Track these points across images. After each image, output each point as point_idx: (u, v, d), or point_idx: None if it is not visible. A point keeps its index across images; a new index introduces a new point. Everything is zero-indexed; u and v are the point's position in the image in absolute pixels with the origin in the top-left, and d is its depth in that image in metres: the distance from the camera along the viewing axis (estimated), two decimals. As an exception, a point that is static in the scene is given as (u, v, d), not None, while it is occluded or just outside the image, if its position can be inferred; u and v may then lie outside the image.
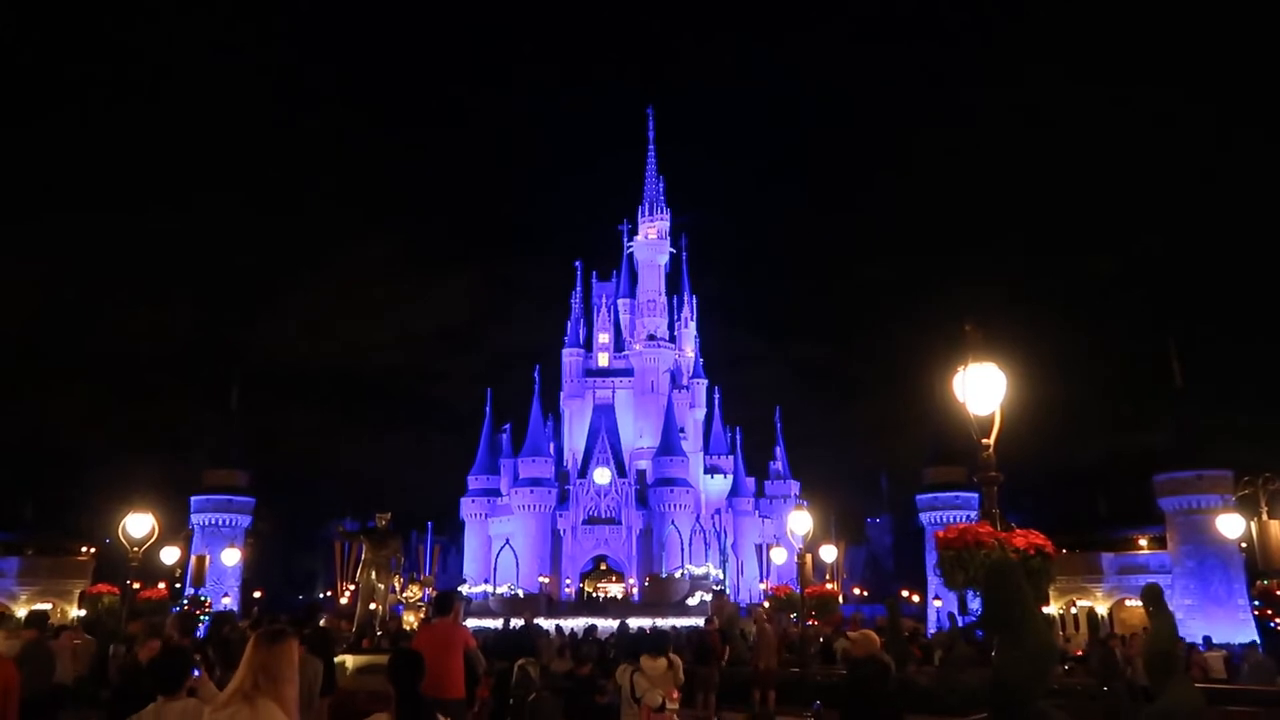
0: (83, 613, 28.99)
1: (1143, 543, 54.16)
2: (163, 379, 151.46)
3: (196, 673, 5.03)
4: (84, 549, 52.28)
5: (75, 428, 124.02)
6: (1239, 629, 41.23)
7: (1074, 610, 52.64)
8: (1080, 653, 25.03)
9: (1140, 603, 10.53)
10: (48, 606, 45.17)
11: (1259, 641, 34.12)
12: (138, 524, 18.71)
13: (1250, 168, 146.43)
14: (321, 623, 12.51)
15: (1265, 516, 16.01)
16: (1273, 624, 19.45)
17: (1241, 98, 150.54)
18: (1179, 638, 10.80)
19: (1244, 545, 39.73)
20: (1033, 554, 7.31)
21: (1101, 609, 51.47)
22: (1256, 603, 44.48)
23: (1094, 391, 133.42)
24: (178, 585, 42.62)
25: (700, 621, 25.38)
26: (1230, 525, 20.35)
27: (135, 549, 18.60)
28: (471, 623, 25.13)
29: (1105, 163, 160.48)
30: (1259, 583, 19.72)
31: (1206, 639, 27.52)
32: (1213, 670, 20.93)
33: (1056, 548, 7.72)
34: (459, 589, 53.22)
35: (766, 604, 21.63)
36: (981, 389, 7.74)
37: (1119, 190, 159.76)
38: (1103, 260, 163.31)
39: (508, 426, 73.04)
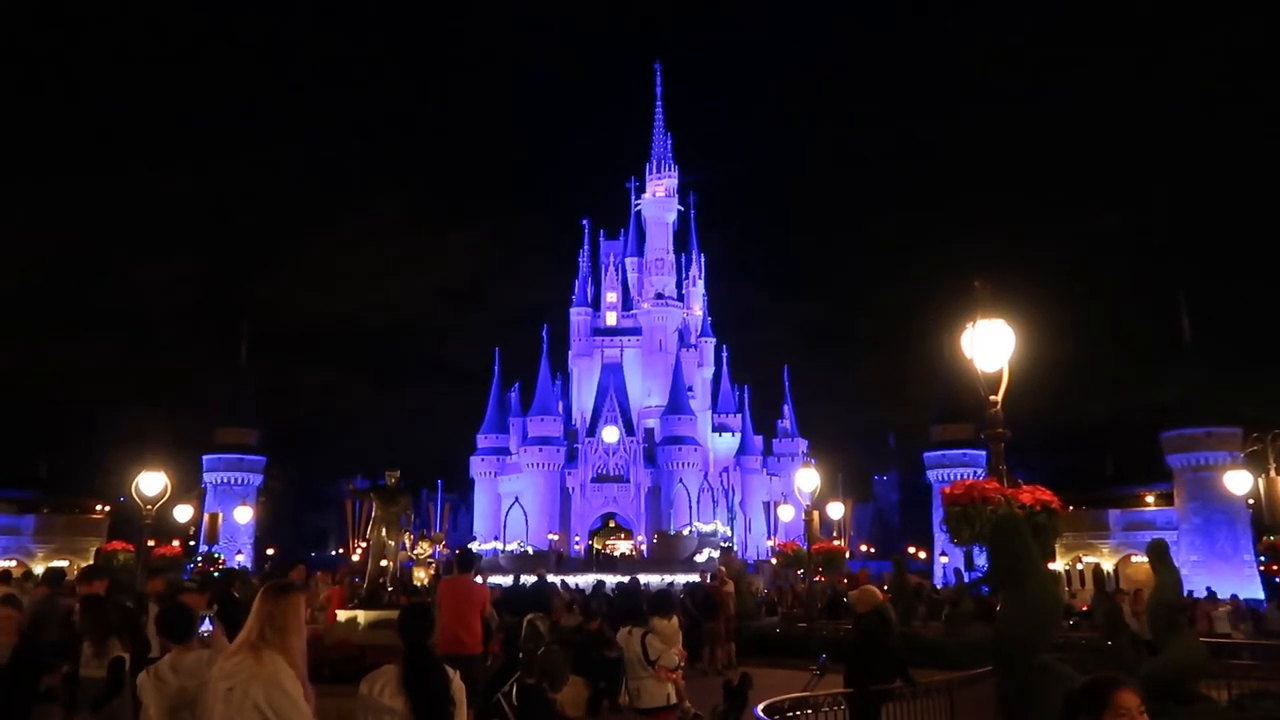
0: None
1: (1149, 499, 54.33)
2: (172, 337, 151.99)
3: (209, 627, 5.12)
4: (98, 507, 52.93)
5: (87, 386, 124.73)
6: (1244, 585, 41.46)
7: (1080, 566, 52.99)
8: (1085, 608, 25.25)
9: (1145, 558, 10.59)
10: (64, 564, 45.83)
11: (1263, 596, 34.34)
12: (150, 482, 18.89)
13: (1261, 120, 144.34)
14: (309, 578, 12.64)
15: (1273, 473, 16.02)
16: (1278, 579, 19.58)
17: (1252, 47, 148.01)
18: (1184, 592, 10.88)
19: (1251, 502, 39.90)
20: (1039, 510, 7.32)
21: (1107, 565, 51.79)
22: (1262, 558, 44.80)
23: (1103, 348, 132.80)
24: (192, 543, 43.14)
25: (703, 577, 25.68)
26: (1238, 482, 20.41)
27: (148, 507, 18.80)
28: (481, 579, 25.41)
29: (1113, 115, 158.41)
30: (1265, 539, 19.82)
31: (1211, 591, 27.70)
32: (1217, 624, 21.09)
33: (1063, 504, 7.73)
34: (469, 546, 53.73)
35: (723, 568, 22.01)
36: (990, 345, 7.71)
37: (1126, 144, 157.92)
38: (1111, 214, 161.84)
39: (516, 385, 73.36)
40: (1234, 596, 25.02)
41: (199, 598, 6.01)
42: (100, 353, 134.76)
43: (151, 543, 22.49)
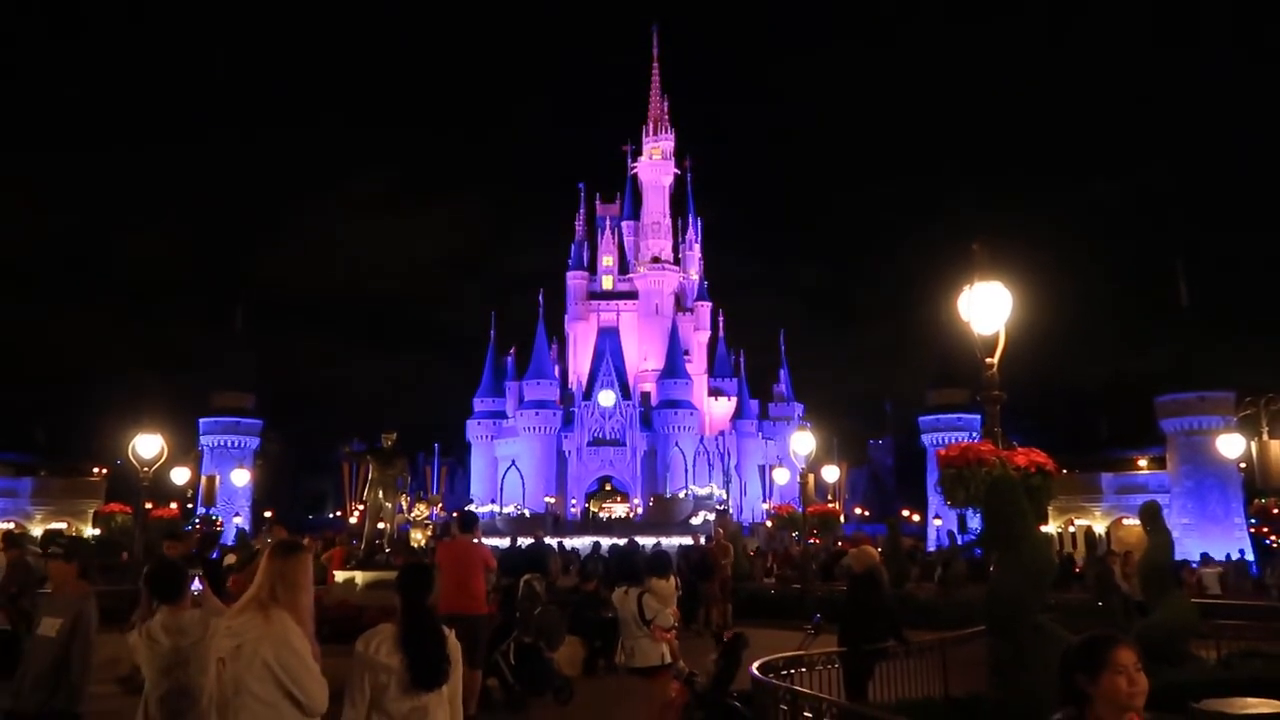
0: (97, 531, 29.54)
1: (1142, 463, 54.62)
2: (171, 302, 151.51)
3: (199, 587, 5.08)
4: (96, 469, 53.01)
5: (84, 350, 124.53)
6: (1234, 547, 41.87)
7: (1072, 529, 53.40)
8: (1077, 569, 25.52)
9: (1137, 521, 10.65)
10: (62, 526, 46.03)
11: (1252, 558, 34.67)
12: (147, 445, 18.91)
13: (1257, 87, 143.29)
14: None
15: (1266, 436, 16.08)
16: (1268, 541, 19.76)
17: (1249, 13, 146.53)
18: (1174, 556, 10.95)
19: (1243, 465, 40.18)
20: (1033, 472, 7.34)
21: (1099, 528, 52.16)
22: (1253, 520, 45.13)
23: (1099, 313, 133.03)
24: (189, 505, 43.29)
25: (695, 539, 25.86)
26: (1230, 445, 20.48)
27: (145, 469, 18.84)
28: (479, 541, 25.52)
29: (1111, 81, 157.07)
30: (1257, 501, 19.97)
31: (1205, 555, 28.02)
32: (1208, 586, 21.33)
33: (1057, 467, 7.75)
34: (469, 507, 53.89)
35: (719, 530, 22.15)
36: (987, 308, 7.68)
37: (1125, 109, 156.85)
38: (1109, 180, 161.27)
39: (513, 349, 73.25)
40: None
41: (66, 567, 5.27)
42: (98, 317, 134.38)
43: (149, 505, 22.56)
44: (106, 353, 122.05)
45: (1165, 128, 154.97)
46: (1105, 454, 56.80)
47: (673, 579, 10.00)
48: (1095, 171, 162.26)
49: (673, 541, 36.18)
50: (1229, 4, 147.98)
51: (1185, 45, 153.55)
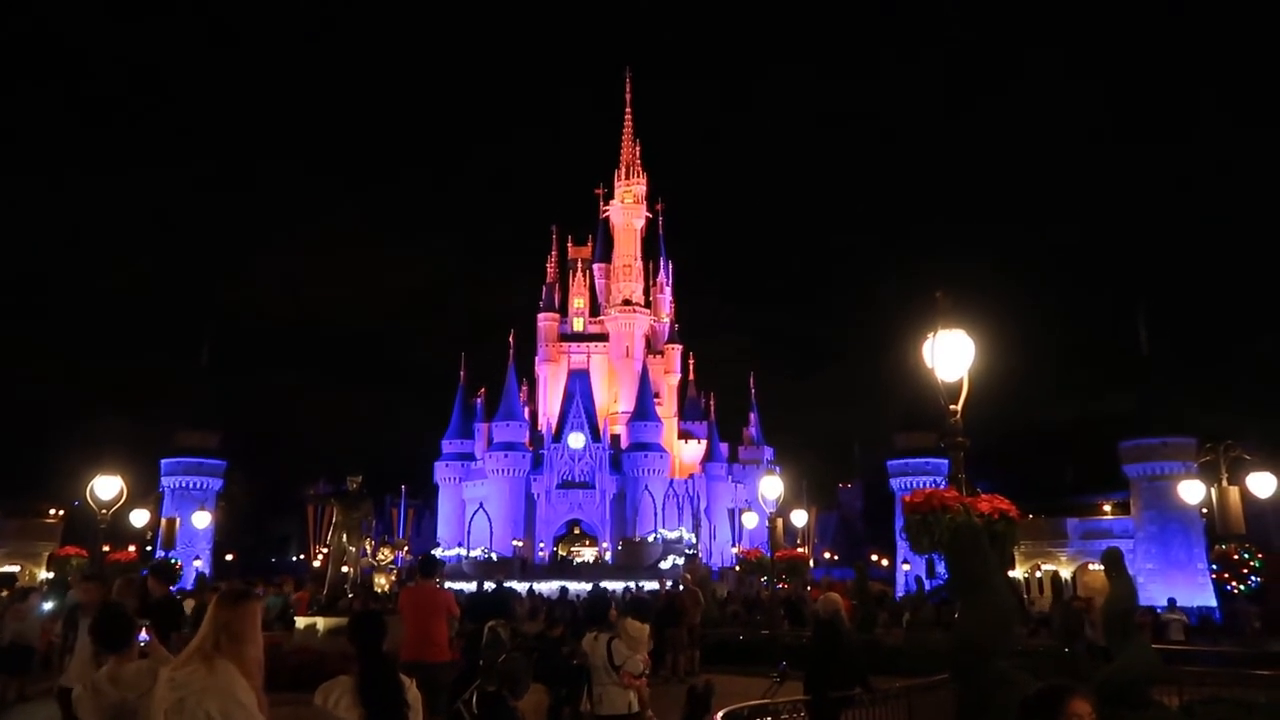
0: (51, 575, 28.82)
1: (1107, 508, 55.11)
2: (133, 339, 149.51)
3: (145, 638, 4.92)
4: (52, 511, 51.77)
5: (43, 388, 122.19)
6: (1198, 593, 42.21)
7: (1039, 574, 53.64)
8: (1037, 610, 25.63)
9: (1101, 566, 10.73)
10: (15, 569, 44.85)
11: (1216, 604, 35.00)
12: (106, 486, 18.55)
13: (1217, 133, 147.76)
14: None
15: (1225, 483, 16.33)
16: (1229, 587, 19.95)
17: (1202, 60, 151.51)
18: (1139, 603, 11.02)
19: (1204, 511, 40.68)
20: (996, 518, 7.40)
21: (1065, 573, 52.47)
22: (1214, 566, 45.56)
23: (1063, 359, 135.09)
24: (149, 548, 42.37)
25: (665, 585, 25.66)
26: (1191, 491, 20.74)
27: (104, 511, 18.46)
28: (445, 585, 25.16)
29: (1069, 128, 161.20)
30: (1217, 547, 20.20)
31: (1171, 600, 28.19)
32: (1171, 633, 21.42)
33: (1023, 513, 7.85)
34: (432, 552, 53.21)
35: (688, 574, 22.10)
36: (950, 355, 7.79)
37: (1083, 156, 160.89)
38: (1070, 227, 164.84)
39: (482, 391, 72.86)
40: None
41: None
42: (57, 353, 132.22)
43: (106, 548, 22.08)
44: (66, 388, 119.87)
45: (1123, 170, 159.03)
46: (1071, 498, 57.32)
47: (647, 623, 9.90)
48: (1056, 214, 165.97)
49: (641, 586, 35.96)
50: (1186, 49, 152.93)
51: (1137, 89, 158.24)
